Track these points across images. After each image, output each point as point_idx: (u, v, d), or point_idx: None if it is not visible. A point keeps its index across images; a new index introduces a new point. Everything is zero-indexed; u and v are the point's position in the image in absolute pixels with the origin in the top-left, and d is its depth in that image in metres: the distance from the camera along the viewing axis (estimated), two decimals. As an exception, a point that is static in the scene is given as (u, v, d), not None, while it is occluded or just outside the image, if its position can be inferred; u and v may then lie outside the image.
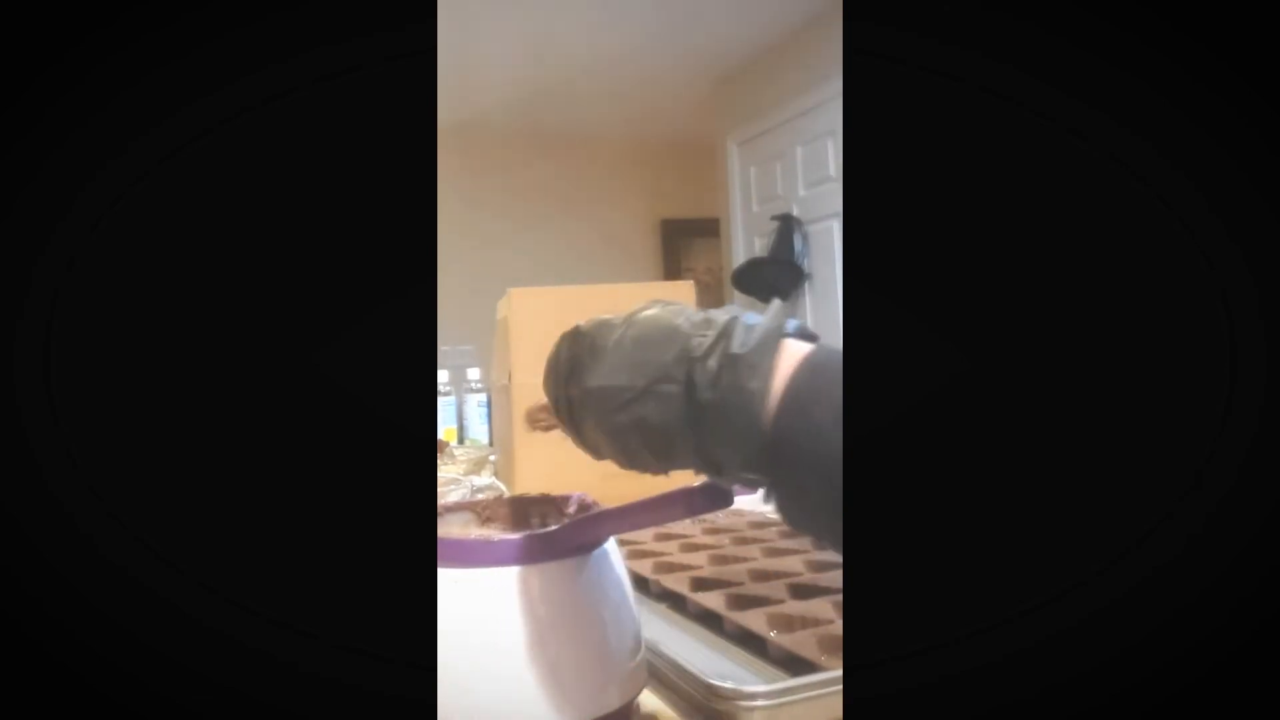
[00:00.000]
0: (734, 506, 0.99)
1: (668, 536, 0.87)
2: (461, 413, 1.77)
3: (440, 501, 0.74)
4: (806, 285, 3.39)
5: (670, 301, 0.39)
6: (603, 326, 0.40)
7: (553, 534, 0.43)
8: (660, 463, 0.38)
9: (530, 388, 1.12)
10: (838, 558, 0.75)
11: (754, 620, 0.58)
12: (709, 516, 0.94)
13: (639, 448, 0.37)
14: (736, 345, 0.34)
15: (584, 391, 0.39)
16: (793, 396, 0.34)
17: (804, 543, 0.82)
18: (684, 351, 0.35)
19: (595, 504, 0.50)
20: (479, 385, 1.78)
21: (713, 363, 0.34)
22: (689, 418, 0.35)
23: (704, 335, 0.36)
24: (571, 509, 0.51)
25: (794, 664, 0.53)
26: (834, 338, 0.36)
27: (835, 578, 0.69)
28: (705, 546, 0.82)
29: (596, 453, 0.41)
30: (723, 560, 0.76)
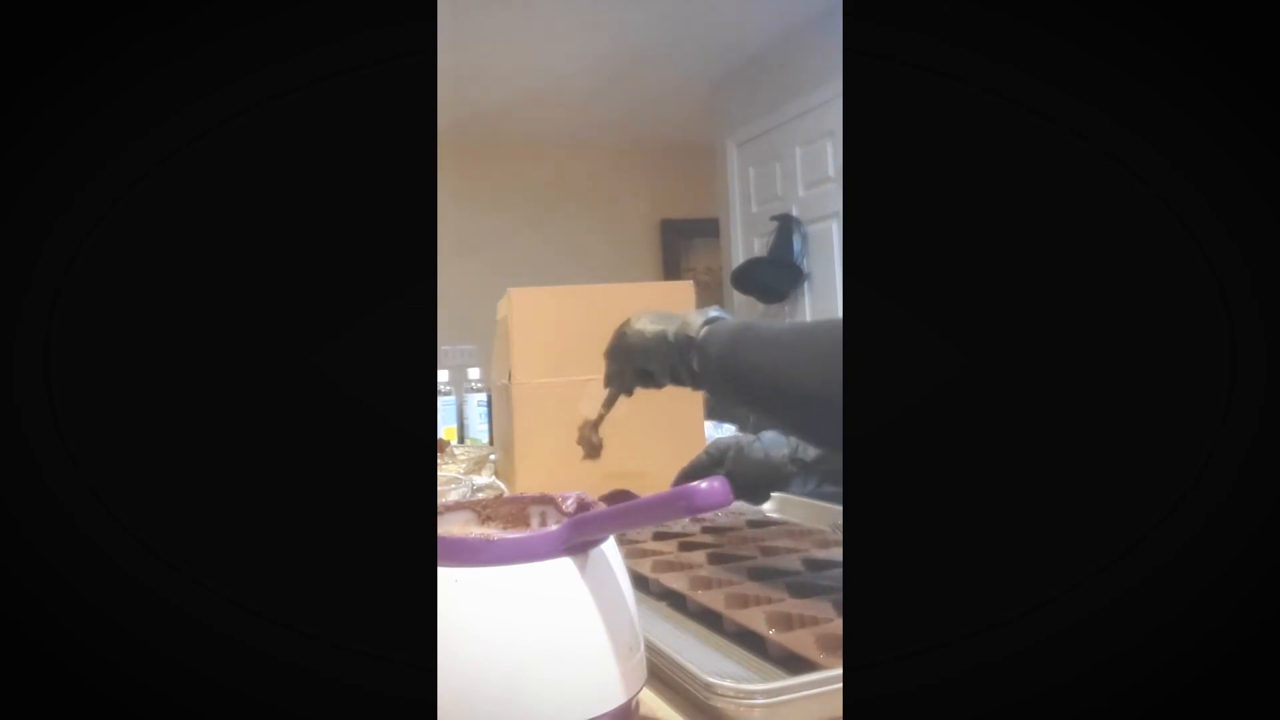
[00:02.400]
0: (733, 506, 1.00)
1: (667, 535, 0.87)
2: (462, 412, 1.77)
3: (440, 500, 0.74)
4: (806, 285, 3.39)
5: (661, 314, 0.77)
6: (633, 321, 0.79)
7: (552, 533, 0.43)
8: (647, 376, 0.78)
9: (530, 387, 1.12)
10: (838, 556, 0.75)
11: (753, 619, 0.59)
12: (708, 516, 0.94)
13: (638, 366, 0.78)
14: (689, 328, 0.73)
15: (624, 337, 0.79)
16: (700, 343, 0.71)
17: (803, 542, 0.82)
18: (666, 325, 0.75)
19: (595, 503, 0.50)
20: (479, 385, 1.78)
21: (676, 328, 0.74)
22: (669, 351, 0.74)
23: (675, 320, 0.75)
24: (571, 508, 0.51)
25: (792, 662, 0.53)
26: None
27: (834, 576, 0.69)
28: (704, 545, 0.82)
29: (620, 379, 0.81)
30: (722, 559, 0.76)
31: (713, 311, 0.73)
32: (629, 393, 0.81)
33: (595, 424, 0.84)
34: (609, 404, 0.82)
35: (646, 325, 0.76)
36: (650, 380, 0.78)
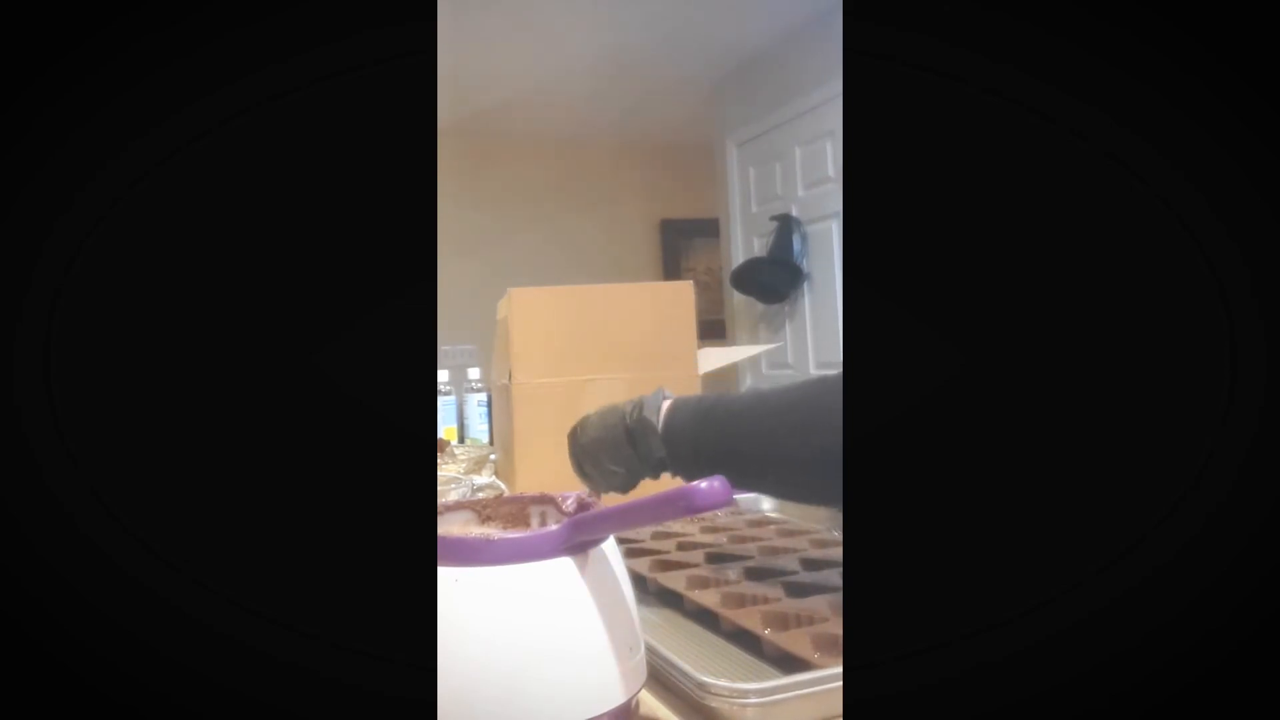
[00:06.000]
0: (732, 506, 0.99)
1: (665, 535, 0.87)
2: (462, 412, 1.77)
3: (440, 500, 0.74)
4: (805, 285, 3.39)
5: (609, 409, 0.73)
6: (590, 418, 0.75)
7: (552, 532, 0.43)
8: (617, 476, 0.72)
9: (530, 387, 1.12)
10: (835, 556, 0.75)
11: (749, 618, 0.59)
12: (707, 515, 0.94)
13: (606, 467, 0.72)
14: (646, 410, 0.69)
15: (580, 444, 0.75)
16: (666, 426, 0.68)
17: (801, 542, 0.82)
18: (621, 418, 0.70)
19: (594, 502, 0.50)
20: (479, 385, 1.78)
21: (633, 421, 0.69)
22: (628, 445, 0.69)
23: (626, 411, 0.70)
24: (571, 507, 0.51)
25: (787, 662, 0.53)
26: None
27: (831, 576, 0.69)
28: (702, 545, 0.82)
29: (584, 475, 0.76)
30: (719, 558, 0.76)
31: (664, 393, 0.69)
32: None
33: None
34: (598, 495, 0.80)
35: (607, 457, 0.71)
36: (626, 490, 0.74)
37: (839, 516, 0.89)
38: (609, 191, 4.78)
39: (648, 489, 0.79)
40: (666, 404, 0.69)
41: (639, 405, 0.70)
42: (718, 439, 0.65)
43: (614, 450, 0.70)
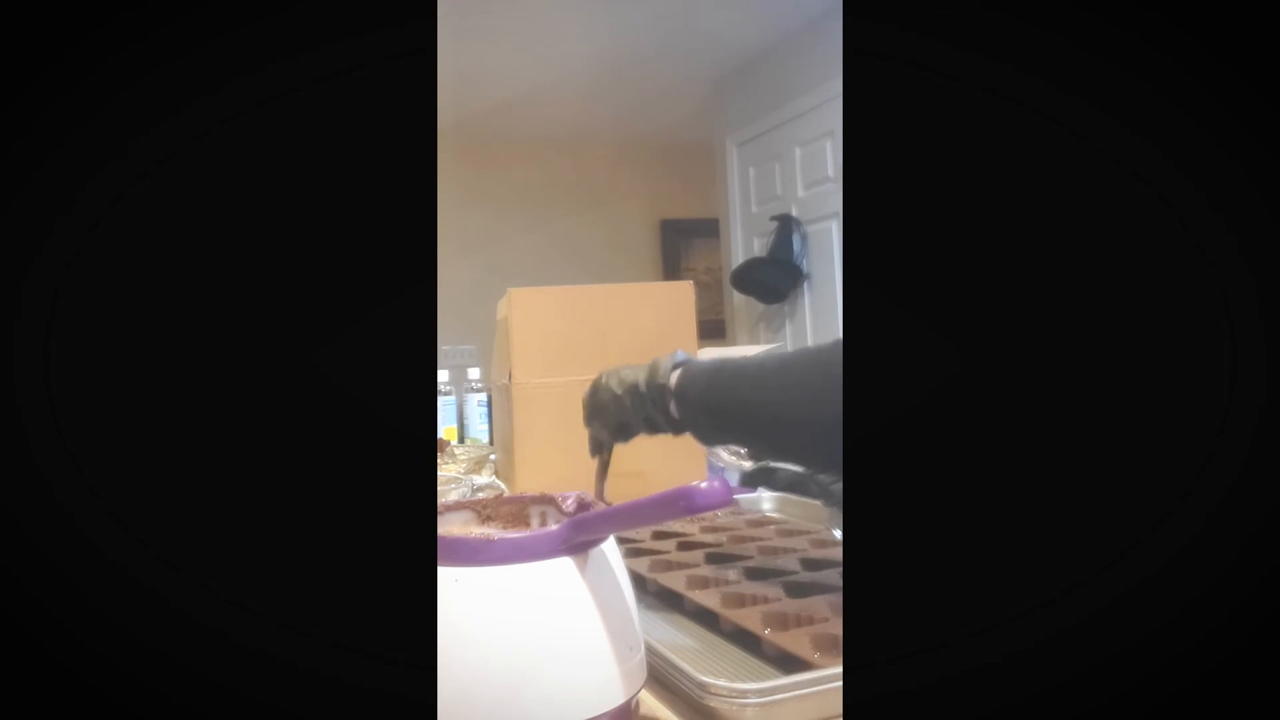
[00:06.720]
0: (732, 506, 0.99)
1: (665, 535, 0.87)
2: (462, 412, 1.77)
3: (440, 500, 0.74)
4: (805, 285, 3.39)
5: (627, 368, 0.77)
6: (602, 379, 0.79)
7: (552, 533, 0.43)
8: (621, 425, 0.76)
9: (530, 387, 1.12)
10: (835, 556, 0.75)
11: (749, 618, 0.59)
12: (707, 515, 0.94)
13: (613, 403, 0.75)
14: (660, 375, 0.72)
15: (596, 392, 0.78)
16: (677, 389, 0.70)
17: (801, 542, 0.82)
18: (638, 370, 0.74)
19: (594, 502, 0.50)
20: (479, 385, 1.78)
21: (648, 373, 0.73)
22: (643, 402, 0.72)
23: (645, 365, 0.74)
24: (571, 507, 0.51)
25: (787, 662, 0.53)
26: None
27: (831, 576, 0.69)
28: (702, 545, 0.82)
29: (590, 423, 0.80)
30: (719, 558, 0.76)
31: (679, 355, 0.72)
32: (610, 450, 0.80)
33: (600, 493, 0.82)
34: (603, 470, 0.80)
35: (615, 383, 0.75)
36: (626, 433, 0.76)
37: (839, 516, 0.89)
38: (609, 191, 4.78)
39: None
40: (677, 371, 0.71)
41: (656, 360, 0.72)
42: (725, 395, 0.66)
43: (626, 397, 0.73)
